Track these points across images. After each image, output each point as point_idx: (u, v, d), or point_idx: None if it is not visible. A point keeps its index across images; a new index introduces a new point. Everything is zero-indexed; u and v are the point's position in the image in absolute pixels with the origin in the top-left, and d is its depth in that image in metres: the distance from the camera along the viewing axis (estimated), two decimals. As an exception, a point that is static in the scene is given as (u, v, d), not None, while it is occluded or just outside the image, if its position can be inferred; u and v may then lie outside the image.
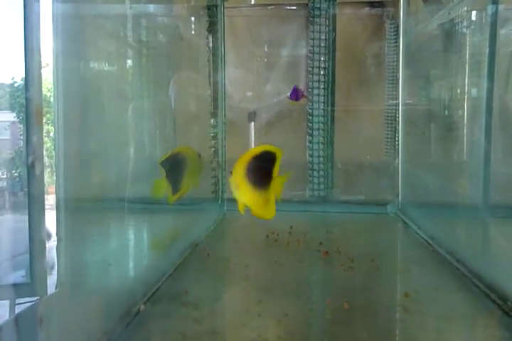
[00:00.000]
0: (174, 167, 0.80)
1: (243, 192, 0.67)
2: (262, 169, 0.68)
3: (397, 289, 0.75)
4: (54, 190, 0.58)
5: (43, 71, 0.54)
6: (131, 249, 0.88)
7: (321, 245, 1.01)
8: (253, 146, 1.65)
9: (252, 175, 0.68)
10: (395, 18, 1.62)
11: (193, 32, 1.40)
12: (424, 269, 0.87)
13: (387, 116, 1.61)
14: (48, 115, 0.57)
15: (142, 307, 0.66)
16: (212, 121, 1.48)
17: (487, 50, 1.10)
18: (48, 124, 0.57)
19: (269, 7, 1.63)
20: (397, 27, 1.59)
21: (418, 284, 0.77)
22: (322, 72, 1.54)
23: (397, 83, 1.57)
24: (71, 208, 0.61)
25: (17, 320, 0.46)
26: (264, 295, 0.72)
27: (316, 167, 1.55)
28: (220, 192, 1.46)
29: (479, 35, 1.14)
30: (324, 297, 0.70)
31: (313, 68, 1.54)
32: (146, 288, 0.73)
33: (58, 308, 0.52)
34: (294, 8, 1.61)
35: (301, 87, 1.38)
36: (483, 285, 0.75)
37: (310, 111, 1.54)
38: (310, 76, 1.54)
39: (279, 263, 0.89)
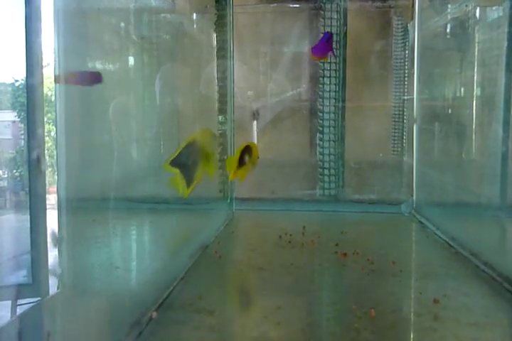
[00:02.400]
0: (187, 161, 0.78)
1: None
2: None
3: (424, 294, 0.70)
4: (55, 189, 0.56)
5: (44, 69, 0.53)
6: (139, 251, 0.84)
7: (337, 246, 0.97)
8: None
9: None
10: (402, 14, 1.58)
11: (199, 26, 1.36)
12: (450, 272, 0.82)
13: (395, 114, 1.57)
14: (49, 114, 0.56)
15: (154, 314, 0.62)
16: (220, 118, 1.43)
17: (505, 44, 1.05)
18: (49, 123, 0.56)
19: (272, 5, 1.58)
20: (405, 24, 1.55)
21: (446, 289, 0.72)
22: (334, 68, 1.49)
23: (404, 81, 1.53)
24: (73, 208, 0.57)
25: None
26: (283, 301, 0.68)
27: (326, 165, 1.50)
28: (228, 191, 1.42)
29: (496, 28, 1.10)
30: (348, 303, 0.66)
31: (324, 63, 1.49)
32: (157, 293, 0.68)
33: (60, 319, 0.47)
34: (297, 5, 1.57)
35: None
36: (517, 290, 0.70)
37: (320, 107, 1.50)
38: (321, 71, 1.49)
39: (295, 266, 0.84)
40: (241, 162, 0.86)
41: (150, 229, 0.99)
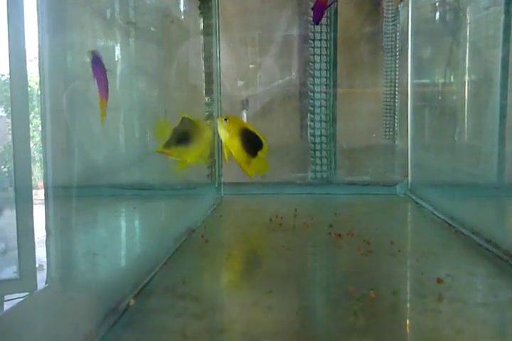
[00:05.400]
0: (190, 129, 0.76)
1: (233, 142, 0.79)
2: (252, 141, 0.80)
3: (426, 275, 0.65)
4: (43, 184, 0.55)
5: (29, 64, 0.52)
6: (118, 237, 0.78)
7: (330, 228, 0.91)
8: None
9: (243, 137, 0.79)
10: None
11: (185, 7, 1.29)
12: (452, 251, 0.77)
13: (386, 97, 1.52)
14: (36, 109, 0.54)
15: (132, 301, 0.56)
16: (206, 99, 1.37)
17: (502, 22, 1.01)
18: (36, 118, 0.54)
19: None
20: (395, 5, 1.50)
21: (449, 268, 0.67)
22: (324, 45, 1.43)
23: (396, 63, 1.48)
24: (60, 201, 0.52)
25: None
26: (274, 285, 0.62)
27: (318, 147, 1.45)
28: (216, 175, 1.36)
29: (493, 4, 1.05)
30: (345, 285, 0.60)
31: (314, 40, 1.43)
32: (136, 280, 0.62)
33: (23, 310, 0.41)
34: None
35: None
36: (525, 268, 0.65)
37: (311, 87, 1.43)
38: (311, 49, 1.43)
39: (287, 248, 0.79)
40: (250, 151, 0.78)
41: (133, 215, 0.93)
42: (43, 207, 0.55)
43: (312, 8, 1.08)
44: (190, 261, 0.74)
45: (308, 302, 0.57)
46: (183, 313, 0.54)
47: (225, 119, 0.79)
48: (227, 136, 0.78)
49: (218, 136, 1.38)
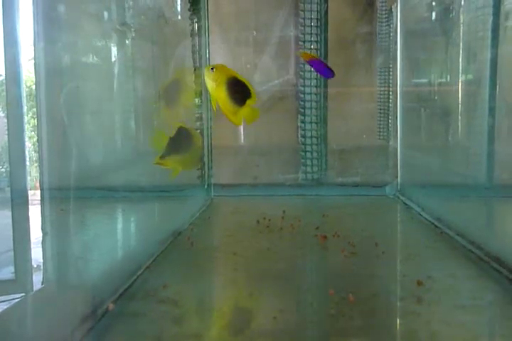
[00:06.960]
0: (183, 138, 0.77)
1: (219, 92, 0.75)
2: (239, 91, 0.76)
3: (408, 277, 0.65)
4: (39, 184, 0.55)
5: (26, 64, 0.53)
6: (102, 240, 0.78)
7: (317, 230, 0.92)
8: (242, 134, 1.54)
9: (231, 86, 0.76)
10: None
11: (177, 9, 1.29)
12: (435, 253, 0.77)
13: (380, 97, 1.52)
14: (34, 109, 0.54)
15: (111, 306, 0.56)
16: (196, 100, 1.37)
17: (490, 23, 1.01)
18: (34, 119, 0.54)
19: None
20: (389, 6, 1.50)
21: (431, 270, 0.67)
22: (315, 46, 1.43)
23: (389, 64, 1.48)
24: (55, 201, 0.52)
25: None
26: (255, 288, 0.62)
27: (308, 148, 1.45)
28: (206, 177, 1.36)
29: (482, 6, 1.05)
30: (326, 288, 0.60)
31: (304, 42, 1.43)
32: (118, 283, 0.62)
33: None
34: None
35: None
36: (506, 270, 0.65)
37: (302, 88, 1.44)
38: (301, 50, 1.43)
39: (272, 251, 0.79)
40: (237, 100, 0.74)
41: (119, 217, 0.93)
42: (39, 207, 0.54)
43: (315, 69, 1.02)
44: (173, 264, 0.74)
45: (287, 305, 0.57)
46: (162, 318, 0.54)
47: (212, 69, 0.74)
48: (213, 87, 0.74)
49: (209, 139, 1.40)
